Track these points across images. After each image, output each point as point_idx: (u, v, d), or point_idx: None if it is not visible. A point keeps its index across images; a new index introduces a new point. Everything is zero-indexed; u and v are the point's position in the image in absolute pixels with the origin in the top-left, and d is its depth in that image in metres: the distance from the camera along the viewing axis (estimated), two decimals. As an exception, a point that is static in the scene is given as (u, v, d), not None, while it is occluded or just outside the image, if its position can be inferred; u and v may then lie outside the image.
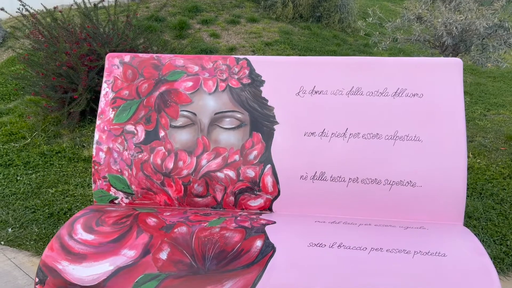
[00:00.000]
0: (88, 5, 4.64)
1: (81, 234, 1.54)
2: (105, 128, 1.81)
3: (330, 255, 1.42)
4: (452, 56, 3.79)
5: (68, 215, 2.75)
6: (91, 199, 2.95)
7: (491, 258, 2.28)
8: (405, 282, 1.33)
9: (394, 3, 12.04)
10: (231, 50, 6.68)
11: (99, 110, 1.84)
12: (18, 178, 3.27)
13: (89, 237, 1.52)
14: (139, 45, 4.63)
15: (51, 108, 4.24)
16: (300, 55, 6.65)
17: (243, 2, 8.30)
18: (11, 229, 2.62)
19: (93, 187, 1.81)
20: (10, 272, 2.19)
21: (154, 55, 1.87)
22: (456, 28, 3.00)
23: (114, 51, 4.26)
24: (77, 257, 1.46)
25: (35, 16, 4.50)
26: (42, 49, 4.25)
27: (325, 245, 1.45)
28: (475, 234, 2.47)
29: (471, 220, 2.64)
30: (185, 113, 1.78)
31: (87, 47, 4.00)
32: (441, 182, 1.63)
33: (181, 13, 7.58)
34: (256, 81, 1.79)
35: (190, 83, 1.81)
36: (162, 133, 1.78)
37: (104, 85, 1.86)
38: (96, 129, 1.82)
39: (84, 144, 3.87)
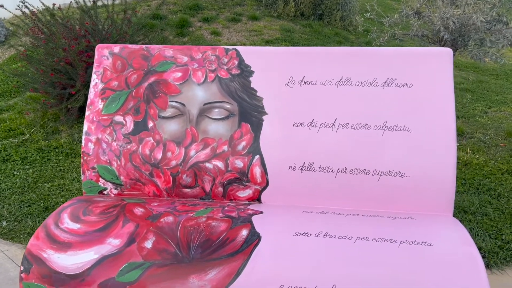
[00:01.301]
0: (88, 3, 4.66)
1: (67, 223, 1.54)
2: (94, 119, 1.81)
3: (315, 244, 1.41)
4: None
5: (63, 209, 2.75)
6: (87, 194, 2.95)
7: (486, 252, 2.27)
8: (389, 270, 1.31)
9: (396, 2, 11.99)
10: (232, 47, 6.66)
11: (88, 100, 1.84)
12: (15, 173, 3.28)
13: (75, 226, 1.52)
14: (138, 41, 4.64)
15: (50, 104, 4.25)
16: (300, 53, 6.64)
17: (245, 0, 8.30)
18: (6, 222, 2.62)
19: (82, 178, 1.81)
20: (3, 265, 2.19)
21: (144, 46, 1.87)
22: (453, 22, 2.98)
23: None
24: (62, 246, 1.46)
25: (35, 13, 4.52)
26: (41, 45, 4.26)
27: (310, 234, 1.44)
28: (469, 228, 2.46)
29: (467, 214, 2.62)
30: (174, 103, 1.78)
31: (86, 43, 4.01)
32: (430, 173, 1.61)
33: (182, 11, 7.59)
34: (245, 71, 1.78)
35: (179, 74, 1.81)
36: (150, 124, 1.77)
37: (93, 76, 1.86)
38: (85, 120, 1.82)
39: (81, 139, 3.87)
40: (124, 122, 1.78)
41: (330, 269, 1.34)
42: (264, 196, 1.71)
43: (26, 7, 4.53)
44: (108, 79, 1.83)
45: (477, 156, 3.54)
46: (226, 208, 1.62)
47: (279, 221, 1.54)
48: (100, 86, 1.83)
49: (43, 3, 4.57)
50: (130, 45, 1.87)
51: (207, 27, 7.24)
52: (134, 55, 1.85)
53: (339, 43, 7.24)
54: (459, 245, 1.39)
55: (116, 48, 1.87)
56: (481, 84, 6.26)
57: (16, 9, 4.69)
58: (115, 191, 1.79)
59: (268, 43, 6.85)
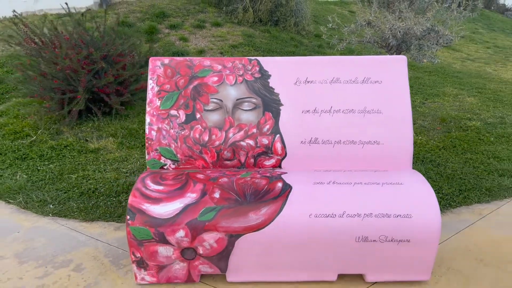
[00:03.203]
0: (53, 12, 5.10)
1: (152, 186, 2.16)
2: (154, 113, 2.42)
3: (328, 188, 2.13)
4: (396, 54, 4.65)
5: (96, 193, 3.28)
6: (111, 181, 3.50)
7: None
8: (378, 200, 2.06)
9: (340, 7, 13.07)
10: (201, 52, 7.28)
11: (148, 100, 2.45)
12: (39, 168, 3.74)
13: (159, 187, 2.14)
14: (126, 49, 5.15)
15: (49, 108, 4.68)
16: (263, 56, 7.38)
17: (206, 8, 8.91)
18: (52, 205, 3.13)
19: (146, 157, 2.42)
20: (68, 234, 2.73)
21: (187, 58, 2.50)
22: (399, 32, 3.82)
23: (106, 55, 4.79)
24: (155, 200, 2.08)
25: (27, 25, 4.93)
26: (40, 55, 4.67)
27: (324, 183, 2.16)
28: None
29: (417, 178, 3.46)
30: (214, 100, 2.43)
31: (85, 53, 4.50)
32: (396, 141, 2.38)
33: (149, 18, 8.08)
34: (264, 75, 2.47)
35: (216, 78, 2.46)
36: (198, 115, 2.41)
37: (149, 81, 2.47)
38: (147, 114, 2.43)
39: (87, 138, 4.36)
40: (178, 115, 2.41)
41: (340, 202, 2.07)
42: (283, 163, 2.41)
43: (21, 20, 4.93)
44: (162, 83, 2.45)
45: (420, 138, 4.44)
46: (260, 172, 2.31)
47: (301, 177, 2.25)
48: (156, 88, 2.45)
49: (45, 17, 4.97)
50: (176, 58, 2.50)
51: (174, 34, 7.78)
52: (180, 65, 2.48)
53: (295, 47, 8.05)
54: (419, 183, 2.17)
55: (166, 60, 2.49)
56: (418, 80, 7.31)
57: (10, 21, 5.07)
58: (173, 166, 2.42)
59: (233, 47, 7.53)
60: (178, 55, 7.04)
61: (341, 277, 2.22)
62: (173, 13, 8.42)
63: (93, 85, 4.60)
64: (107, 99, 4.69)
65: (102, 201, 3.17)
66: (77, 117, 4.68)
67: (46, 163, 3.86)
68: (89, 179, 3.53)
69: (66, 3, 5.25)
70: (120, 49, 4.98)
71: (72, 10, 8.08)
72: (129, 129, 4.55)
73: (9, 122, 4.75)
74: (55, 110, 4.67)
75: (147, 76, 5.47)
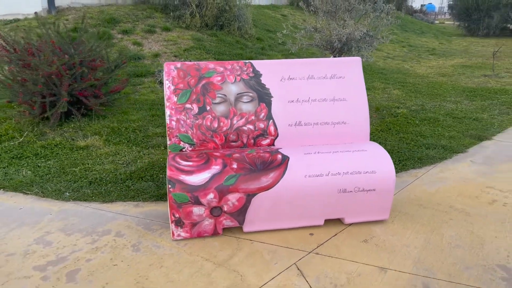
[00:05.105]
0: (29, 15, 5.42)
1: (183, 162, 2.78)
2: (173, 107, 3.03)
3: (316, 156, 2.89)
4: (338, 55, 5.55)
5: (103, 181, 3.78)
6: (112, 171, 3.99)
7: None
8: (351, 162, 2.86)
9: (273, 11, 13.99)
10: (156, 56, 7.77)
11: (166, 96, 3.05)
12: (39, 165, 4.13)
13: (188, 163, 2.77)
14: (97, 54, 5.57)
15: (32, 112, 5.01)
16: (214, 58, 8.04)
17: (153, 13, 9.36)
18: (68, 193, 3.58)
19: (168, 143, 3.02)
20: (96, 212, 3.23)
21: (195, 62, 3.13)
22: (343, 37, 4.70)
23: (82, 61, 5.20)
24: (188, 173, 2.71)
25: (1, 35, 5.19)
26: (16, 62, 4.98)
27: (311, 153, 2.92)
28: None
29: (366, 154, 4.34)
30: (219, 95, 3.09)
31: (67, 59, 4.89)
32: (357, 121, 3.20)
33: (101, 24, 8.39)
34: (257, 74, 3.17)
35: (219, 78, 3.12)
36: (208, 108, 3.06)
37: (166, 82, 3.07)
38: (166, 108, 3.02)
39: (73, 137, 4.78)
40: (192, 108, 3.04)
41: (325, 165, 2.83)
42: (276, 142, 3.13)
43: (-5, 29, 5.18)
44: (176, 83, 3.07)
45: (362, 123, 5.37)
46: (261, 149, 3.01)
47: (293, 151, 2.98)
48: (172, 87, 3.06)
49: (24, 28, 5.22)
50: (186, 62, 3.12)
51: (128, 39, 8.18)
52: (190, 68, 3.11)
53: (242, 49, 8.78)
54: (377, 149, 3.00)
55: (178, 64, 3.11)
56: (351, 77, 8.32)
57: (-18, 30, 5.28)
58: (190, 148, 3.04)
59: (186, 51, 8.09)
60: (135, 59, 7.48)
61: (326, 221, 3.00)
62: (123, 19, 8.78)
63: (73, 89, 5.00)
64: (86, 101, 5.10)
65: (112, 187, 3.68)
66: (58, 119, 5.05)
67: (43, 160, 4.24)
68: (91, 171, 4.00)
69: (36, 12, 5.54)
70: (93, 54, 5.40)
71: (20, 17, 8.25)
72: (111, 127, 5.01)
73: (-12, 126, 4.98)
74: (36, 113, 5.00)
75: (120, 78, 5.91)
